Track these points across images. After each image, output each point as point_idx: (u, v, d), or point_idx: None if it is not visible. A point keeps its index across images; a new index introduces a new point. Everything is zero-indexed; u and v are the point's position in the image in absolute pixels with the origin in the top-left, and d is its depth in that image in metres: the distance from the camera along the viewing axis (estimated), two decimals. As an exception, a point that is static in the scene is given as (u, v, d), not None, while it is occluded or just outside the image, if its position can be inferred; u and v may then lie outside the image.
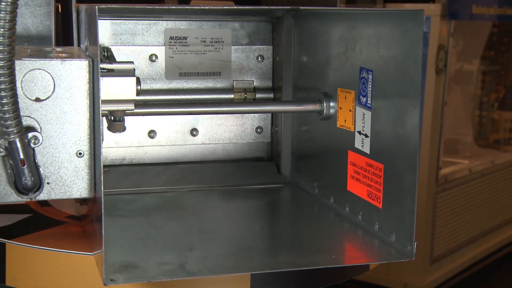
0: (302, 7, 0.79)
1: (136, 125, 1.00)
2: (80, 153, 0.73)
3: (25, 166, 0.70)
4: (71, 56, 0.73)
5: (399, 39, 0.76)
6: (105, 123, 0.79)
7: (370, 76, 0.81)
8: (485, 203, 2.56)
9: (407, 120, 0.75)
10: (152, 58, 0.99)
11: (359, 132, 0.84)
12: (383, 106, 0.79)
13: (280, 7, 0.87)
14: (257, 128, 1.05)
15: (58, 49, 0.80)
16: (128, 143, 1.00)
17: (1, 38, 0.64)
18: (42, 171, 0.72)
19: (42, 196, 0.72)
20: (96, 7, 0.67)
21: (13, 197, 0.71)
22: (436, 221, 2.27)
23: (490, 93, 2.76)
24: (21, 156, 0.70)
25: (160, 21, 0.99)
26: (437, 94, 2.16)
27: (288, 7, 0.83)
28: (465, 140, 2.68)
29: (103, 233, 0.66)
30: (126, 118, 0.78)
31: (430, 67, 2.12)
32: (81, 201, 0.85)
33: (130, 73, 0.74)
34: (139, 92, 0.76)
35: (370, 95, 0.82)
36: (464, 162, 2.49)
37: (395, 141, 0.77)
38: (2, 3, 0.63)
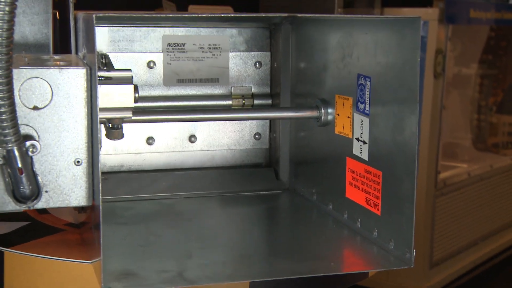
0: (300, 15, 0.79)
1: (134, 132, 1.00)
2: (78, 161, 0.73)
3: (23, 174, 0.70)
4: (69, 64, 0.74)
5: (397, 46, 0.76)
6: (103, 131, 0.79)
7: (368, 83, 0.82)
8: (484, 207, 2.56)
9: (405, 126, 0.75)
10: (150, 64, 1.00)
11: (357, 139, 0.84)
12: (381, 113, 0.80)
13: (278, 15, 0.87)
14: (255, 134, 1.05)
15: (56, 57, 0.80)
16: (127, 150, 1.00)
17: (0, 47, 0.64)
18: (40, 180, 0.72)
19: (40, 204, 0.72)
20: (94, 15, 0.67)
21: (11, 206, 0.71)
22: (435, 225, 2.27)
23: (488, 96, 2.76)
24: (19, 165, 0.70)
25: (158, 28, 0.99)
26: (435, 98, 2.16)
27: (286, 15, 0.83)
28: (464, 144, 2.68)
29: (101, 241, 0.66)
30: (124, 125, 0.78)
31: (428, 71, 2.13)
32: (80, 208, 0.85)
33: (128, 80, 0.74)
34: (137, 100, 0.76)
35: (368, 101, 0.82)
36: (463, 166, 2.49)
37: (394, 148, 0.77)
38: (0, 12, 0.64)
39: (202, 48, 1.01)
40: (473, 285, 2.48)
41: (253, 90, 1.04)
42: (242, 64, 1.03)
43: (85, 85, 0.72)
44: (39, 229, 0.88)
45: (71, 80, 0.72)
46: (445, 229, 2.34)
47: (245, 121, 1.03)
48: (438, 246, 2.31)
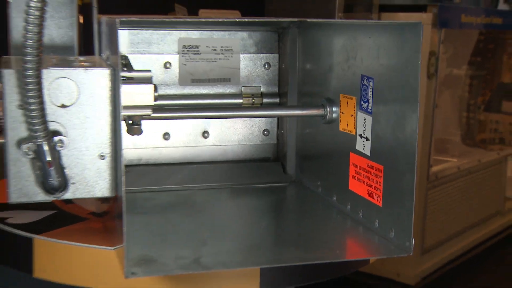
0: (309, 20, 0.78)
1: (151, 128, 1.00)
2: (102, 156, 0.73)
3: (52, 167, 0.70)
4: (94, 65, 0.73)
5: (399, 49, 0.76)
6: (123, 127, 0.79)
7: (371, 83, 0.81)
8: (472, 198, 2.56)
9: (406, 124, 0.74)
10: (167, 65, 0.99)
11: (360, 136, 0.84)
12: (383, 111, 0.79)
13: (288, 20, 0.87)
14: (264, 130, 1.05)
15: (81, 58, 0.80)
16: (145, 145, 1.00)
17: (30, 49, 0.64)
18: (67, 172, 0.72)
19: (68, 195, 0.72)
20: (118, 20, 0.67)
21: (41, 196, 0.71)
22: (427, 215, 2.27)
23: (477, 96, 2.76)
24: (48, 159, 0.70)
25: (174, 31, 0.99)
26: (428, 97, 2.16)
27: (296, 20, 0.83)
28: (454, 140, 2.68)
29: (125, 230, 0.66)
30: (142, 121, 0.78)
31: (422, 72, 2.12)
32: (102, 199, 0.85)
33: (148, 80, 0.74)
34: (156, 98, 0.76)
35: (371, 101, 0.81)
36: (453, 160, 2.49)
37: (395, 144, 0.77)
38: (30, 17, 0.64)
39: (215, 50, 1.01)
40: (461, 270, 2.48)
41: (262, 89, 1.03)
42: (252, 65, 1.03)
43: (109, 85, 0.72)
44: (65, 218, 0.88)
45: (96, 80, 0.71)
46: (436, 219, 2.34)
47: (254, 118, 1.03)
48: (429, 234, 2.31)
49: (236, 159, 1.04)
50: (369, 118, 0.82)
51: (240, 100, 1.02)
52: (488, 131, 2.79)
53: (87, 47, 0.92)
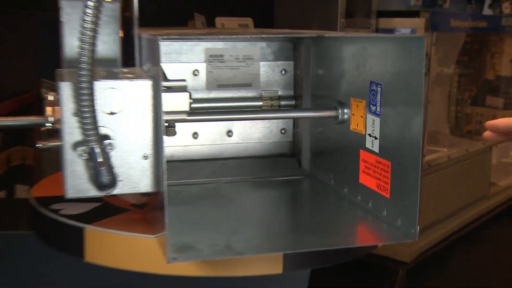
0: (327, 35, 0.80)
1: (182, 129, 1.01)
2: (145, 156, 0.75)
3: (103, 167, 0.72)
4: (137, 76, 0.75)
5: (404, 59, 0.77)
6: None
7: (379, 89, 0.83)
8: (461, 184, 2.57)
9: (411, 126, 0.76)
10: (195, 73, 1.01)
11: (370, 135, 0.85)
12: (391, 114, 0.80)
13: (308, 35, 0.88)
14: (281, 129, 1.06)
15: (125, 70, 0.82)
16: (176, 143, 1.02)
17: (85, 65, 0.66)
18: (115, 171, 0.74)
19: (116, 191, 0.74)
20: (160, 37, 0.69)
21: (93, 192, 0.73)
22: (421, 199, 2.29)
23: (464, 92, 2.76)
24: (100, 160, 0.72)
25: (201, 42, 1.00)
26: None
27: (315, 35, 0.84)
28: (444, 131, 2.69)
29: (167, 221, 0.68)
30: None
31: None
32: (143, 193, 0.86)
33: (184, 89, 0.76)
34: (191, 104, 0.77)
35: (379, 104, 0.83)
36: (444, 150, 2.50)
37: (401, 143, 0.78)
38: (85, 37, 0.65)
39: (238, 58, 1.02)
40: (451, 247, 2.50)
41: (279, 93, 1.05)
42: (270, 71, 1.04)
43: (151, 94, 0.74)
44: (110, 209, 0.90)
45: (140, 89, 0.73)
46: (429, 202, 2.35)
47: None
48: (423, 216, 2.32)
49: (257, 155, 1.06)
50: (377, 120, 0.83)
51: (260, 103, 1.04)
52: (474, 123, 2.80)
53: (126, 58, 0.94)
